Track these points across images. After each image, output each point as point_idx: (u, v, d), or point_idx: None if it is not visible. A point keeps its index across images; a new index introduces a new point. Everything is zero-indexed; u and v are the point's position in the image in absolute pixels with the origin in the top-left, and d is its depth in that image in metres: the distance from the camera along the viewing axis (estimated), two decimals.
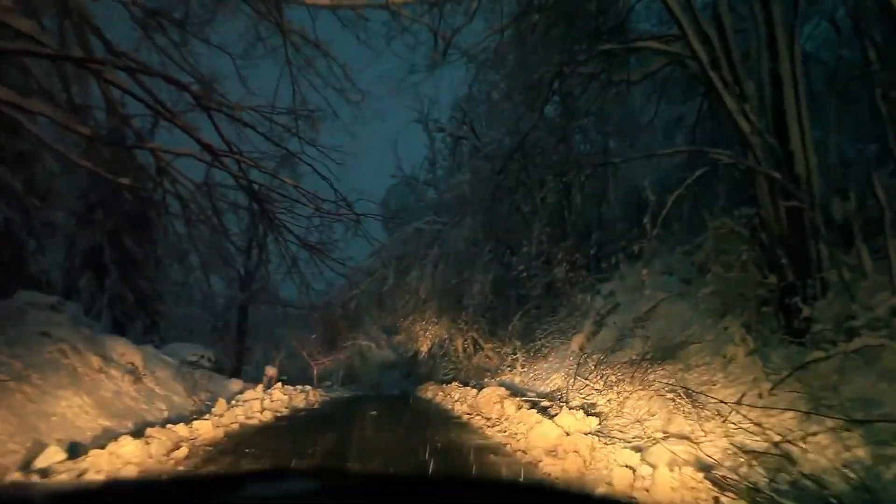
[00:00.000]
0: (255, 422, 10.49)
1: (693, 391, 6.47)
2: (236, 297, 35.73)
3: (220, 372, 26.28)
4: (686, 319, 8.89)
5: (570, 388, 9.93)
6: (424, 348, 25.65)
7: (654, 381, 7.80)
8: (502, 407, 9.61)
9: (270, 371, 18.86)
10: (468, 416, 10.92)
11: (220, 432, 8.38)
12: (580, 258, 14.78)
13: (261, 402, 12.18)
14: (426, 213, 23.49)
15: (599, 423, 7.27)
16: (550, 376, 12.38)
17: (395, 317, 22.97)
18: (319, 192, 8.94)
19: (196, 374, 15.39)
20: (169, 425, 7.94)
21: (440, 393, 17.04)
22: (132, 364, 11.59)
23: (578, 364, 10.40)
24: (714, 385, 6.61)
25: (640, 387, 7.90)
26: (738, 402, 5.65)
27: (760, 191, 6.59)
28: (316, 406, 15.30)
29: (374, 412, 12.45)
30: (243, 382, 17.66)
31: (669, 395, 7.17)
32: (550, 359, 13.78)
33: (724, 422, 5.64)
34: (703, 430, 5.80)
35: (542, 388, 11.89)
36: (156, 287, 27.90)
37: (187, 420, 8.69)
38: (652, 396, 7.40)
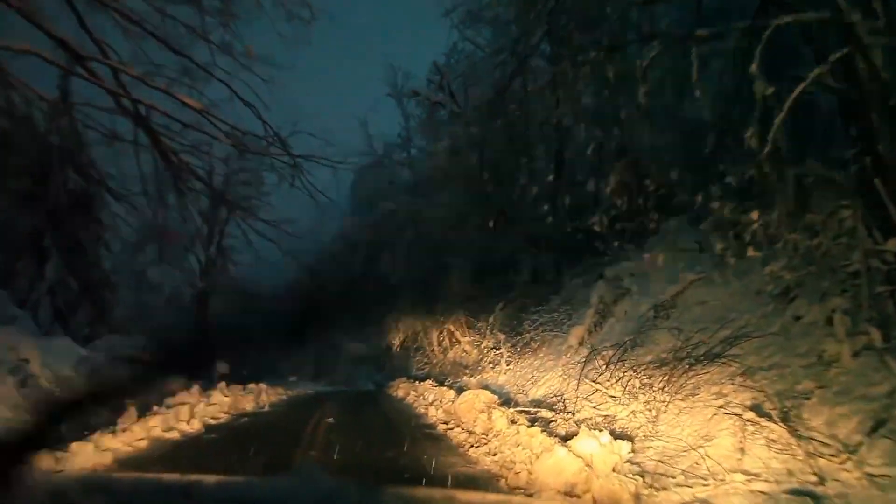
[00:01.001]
0: (173, 436, 8.24)
1: (785, 410, 4.41)
2: (195, 285, 33.29)
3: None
4: (728, 306, 6.85)
5: (575, 393, 7.85)
6: (397, 341, 23.51)
7: (700, 388, 5.74)
8: (489, 418, 7.49)
9: (221, 367, 16.53)
10: (445, 427, 8.79)
11: (104, 458, 6.14)
12: (581, 235, 12.66)
13: (191, 409, 9.93)
14: (400, 196, 21.33)
15: (632, 451, 5.18)
16: (543, 376, 10.31)
17: (365, 307, 20.75)
18: (242, 125, 6.67)
19: (125, 372, 13.09)
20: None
21: (412, 392, 14.89)
22: (23, 361, 9.29)
23: (585, 362, 8.32)
24: (808, 398, 4.55)
25: (680, 396, 5.84)
26: (874, 431, 3.59)
27: (877, 121, 4.52)
28: (265, 409, 13.06)
29: (330, 419, 10.26)
30: (187, 381, 15.34)
31: (726, 408, 5.13)
32: (542, 355, 11.71)
33: (854, 461, 3.57)
34: (813, 471, 3.73)
35: (534, 392, 9.81)
36: (105, 274, 25.35)
37: (64, 441, 6.43)
38: (702, 411, 5.34)
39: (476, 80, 15.47)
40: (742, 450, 4.34)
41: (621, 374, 7.19)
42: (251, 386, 15.04)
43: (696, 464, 4.65)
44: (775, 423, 4.26)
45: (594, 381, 7.69)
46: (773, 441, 4.20)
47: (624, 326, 8.83)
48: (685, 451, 4.91)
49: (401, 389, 17.06)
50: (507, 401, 8.67)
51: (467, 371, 18.02)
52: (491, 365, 15.25)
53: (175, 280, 34.39)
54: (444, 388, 13.00)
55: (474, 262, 16.91)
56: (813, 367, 4.87)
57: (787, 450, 3.99)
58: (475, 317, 18.96)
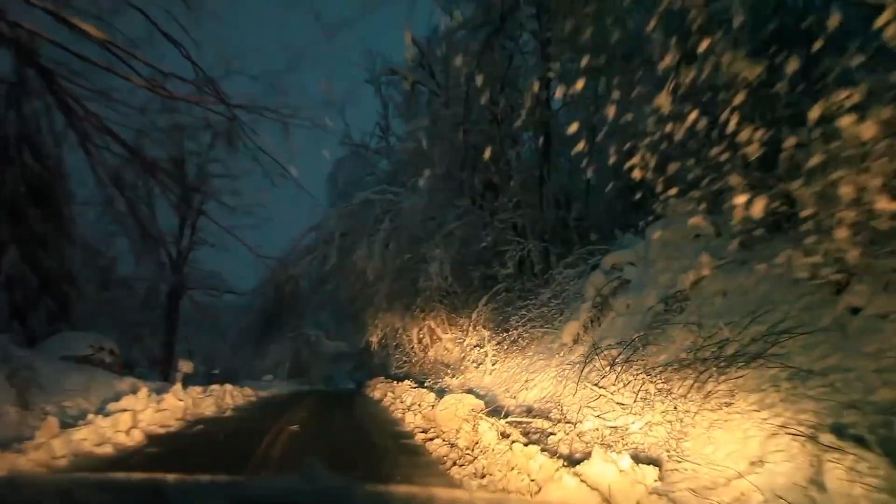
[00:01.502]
0: (105, 451, 7.02)
1: (871, 427, 3.33)
2: (168, 280, 31.77)
3: (129, 368, 22.51)
4: (759, 297, 5.80)
5: (574, 398, 6.76)
6: (375, 339, 22.33)
7: (736, 396, 4.67)
8: (475, 430, 6.38)
9: (184, 366, 15.27)
10: (423, 437, 7.67)
11: None
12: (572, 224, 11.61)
13: (134, 416, 8.68)
14: (377, 186, 20.11)
15: (658, 478, 4.09)
16: (534, 377, 9.22)
17: (340, 302, 19.56)
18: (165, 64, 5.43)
19: (75, 373, 11.88)
20: None
21: (389, 393, 13.79)
22: None
23: (584, 362, 7.23)
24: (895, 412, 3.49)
25: (710, 406, 4.77)
26: None
27: None
28: (226, 414, 11.84)
29: (295, 427, 9.10)
30: (143, 382, 14.07)
31: (773, 420, 4.07)
32: (531, 353, 10.63)
33: None
34: None
35: (524, 395, 8.71)
36: (67, 269, 23.90)
37: None
38: (740, 424, 4.27)
39: (456, 55, 14.33)
40: (817, 482, 3.27)
41: (630, 378, 6.11)
42: (214, 387, 13.84)
43: (745, 498, 3.58)
44: (864, 447, 3.18)
45: (596, 385, 6.61)
46: (860, 472, 3.13)
47: (627, 322, 7.77)
48: (728, 479, 3.83)
49: (378, 390, 15.92)
50: (495, 407, 7.56)
51: (449, 371, 16.91)
52: (475, 364, 14.16)
53: (147, 275, 32.87)
54: (424, 389, 11.92)
55: (455, 254, 15.77)
56: (890, 371, 3.82)
57: (889, 482, 2.92)
58: (457, 312, 17.87)
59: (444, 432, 7.42)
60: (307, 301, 19.98)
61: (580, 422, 5.99)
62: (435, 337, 20.08)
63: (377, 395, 15.30)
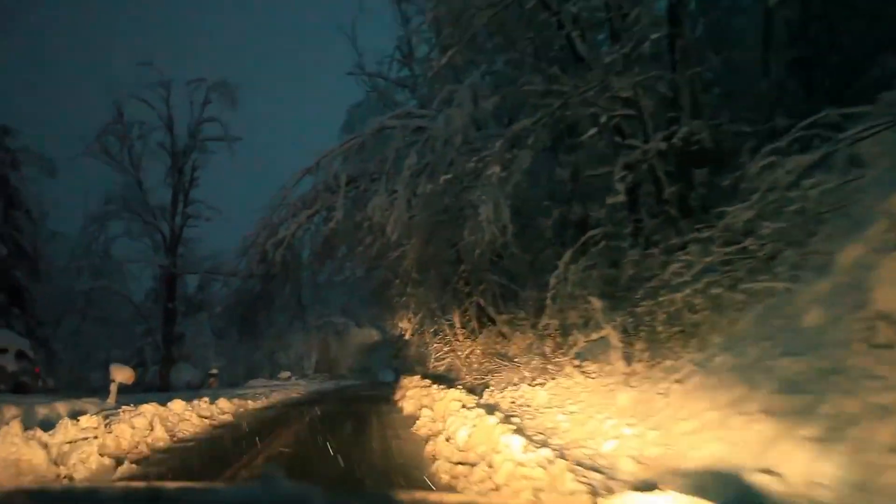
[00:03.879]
0: None
1: None
2: (162, 264, 27.11)
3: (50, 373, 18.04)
4: None
5: None
6: (407, 324, 17.22)
7: None
8: None
9: (120, 373, 10.23)
10: None
11: None
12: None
13: None
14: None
15: None
16: (706, 416, 3.93)
17: (350, 273, 14.50)
18: None
19: None
20: None
21: (426, 410, 8.43)
22: None
23: None
24: None
25: None
26: None
27: None
28: (170, 451, 6.79)
29: None
30: (59, 406, 9.19)
31: None
32: (695, 371, 5.26)
33: None
34: None
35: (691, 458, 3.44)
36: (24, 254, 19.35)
37: None
38: None
39: None
40: None
41: None
42: (146, 409, 8.56)
43: None
44: None
45: None
46: None
47: None
48: None
49: (409, 399, 10.70)
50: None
51: (510, 367, 11.67)
52: (551, 370, 8.80)
53: (140, 258, 28.23)
54: (482, 411, 6.59)
55: (516, 193, 10.49)
56: None
57: None
58: (520, 282, 12.67)
59: None
60: (313, 275, 14.78)
61: None
62: (485, 319, 14.86)
63: (409, 407, 10.12)
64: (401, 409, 10.71)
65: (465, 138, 11.23)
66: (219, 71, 58.07)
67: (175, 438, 7.81)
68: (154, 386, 26.15)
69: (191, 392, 19.75)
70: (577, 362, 7.16)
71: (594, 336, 6.91)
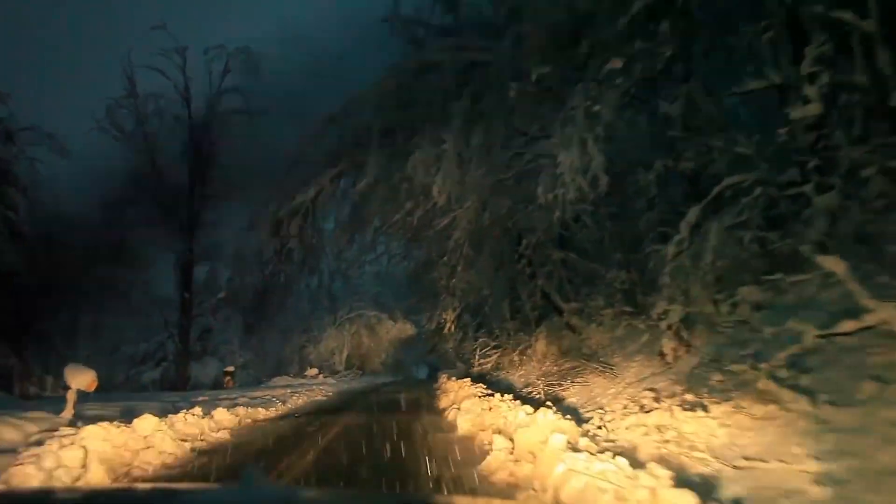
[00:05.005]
0: None
1: None
2: (180, 251, 24.84)
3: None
4: None
5: None
6: (450, 315, 14.53)
7: None
8: None
9: (76, 379, 7.67)
10: None
11: None
12: None
13: None
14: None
15: None
16: None
17: (384, 251, 11.81)
18: None
19: None
20: None
21: (499, 441, 5.67)
22: None
23: None
24: None
25: None
26: None
27: None
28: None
29: None
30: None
31: None
32: None
33: None
34: None
35: None
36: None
37: None
38: None
39: None
40: None
41: None
42: (91, 433, 5.84)
43: None
44: None
45: None
46: None
47: None
48: None
49: (464, 414, 7.91)
50: None
51: (591, 369, 8.86)
52: (682, 377, 5.96)
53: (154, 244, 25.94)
54: (629, 468, 3.80)
55: (608, 136, 7.65)
56: None
57: None
58: (597, 259, 9.95)
59: None
60: (339, 254, 12.07)
61: None
62: (548, 303, 12.09)
63: (464, 424, 7.36)
64: (452, 425, 7.97)
65: (536, 69, 8.43)
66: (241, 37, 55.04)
67: (123, 479, 5.19)
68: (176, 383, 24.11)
69: (211, 392, 17.46)
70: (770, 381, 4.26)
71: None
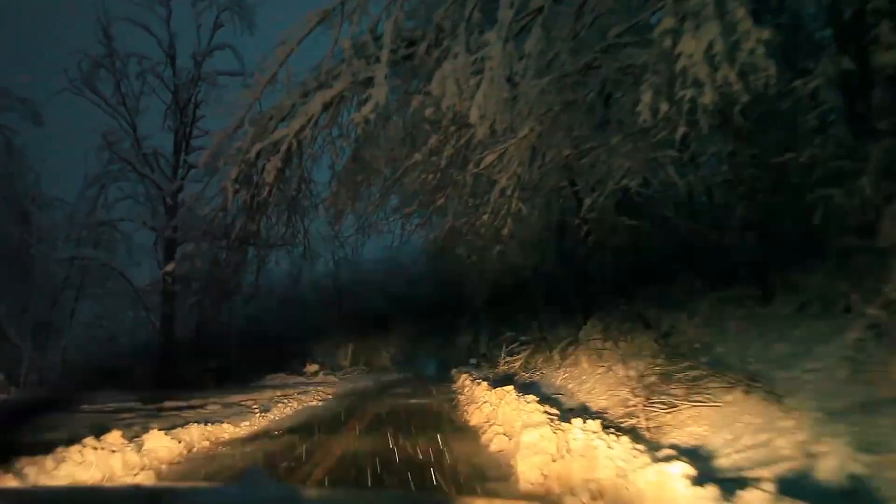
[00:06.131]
0: None
1: None
2: (154, 226, 21.86)
3: None
4: None
5: None
6: (484, 290, 11.62)
7: None
8: None
9: None
10: None
11: None
12: None
13: None
14: None
15: None
16: None
17: (397, 211, 8.87)
18: None
19: None
20: None
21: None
22: None
23: None
24: None
25: None
26: None
27: None
28: None
29: None
30: None
31: None
32: None
33: None
34: None
35: None
36: None
37: None
38: None
39: None
40: None
41: None
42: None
43: None
44: None
45: None
46: None
47: None
48: None
49: (526, 458, 4.97)
50: None
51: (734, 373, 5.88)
52: None
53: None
54: None
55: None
56: None
57: None
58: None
59: None
60: (338, 214, 8.85)
61: None
62: (615, 294, 9.20)
63: (529, 472, 4.49)
64: (503, 463, 5.05)
65: None
66: None
67: None
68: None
69: (185, 395, 14.54)
70: None
71: None
